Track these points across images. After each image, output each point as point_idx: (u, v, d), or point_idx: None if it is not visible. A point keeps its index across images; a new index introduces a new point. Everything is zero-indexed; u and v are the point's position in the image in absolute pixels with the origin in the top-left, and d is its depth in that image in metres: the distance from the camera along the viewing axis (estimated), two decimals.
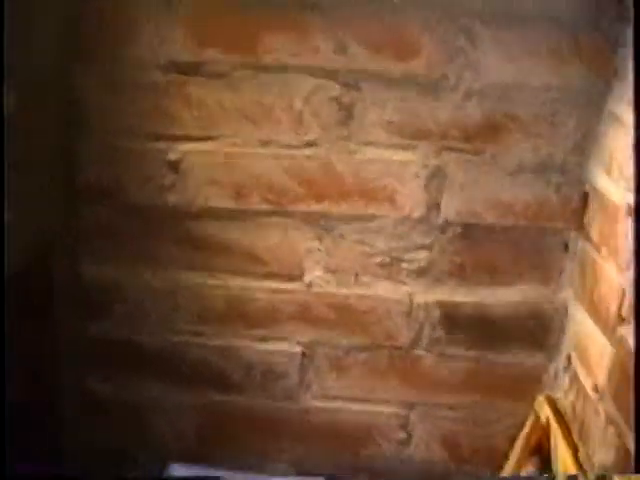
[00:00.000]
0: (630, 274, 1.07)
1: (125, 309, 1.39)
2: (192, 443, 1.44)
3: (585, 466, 1.19)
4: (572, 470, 1.20)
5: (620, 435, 1.09)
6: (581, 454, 1.21)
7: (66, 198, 1.32)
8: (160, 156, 1.32)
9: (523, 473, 1.31)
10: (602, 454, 1.14)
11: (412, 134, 1.28)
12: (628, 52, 1.19)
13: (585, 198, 1.29)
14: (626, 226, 1.13)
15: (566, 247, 1.32)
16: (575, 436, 1.25)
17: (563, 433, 1.26)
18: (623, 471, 1.05)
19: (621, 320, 1.13)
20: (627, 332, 1.10)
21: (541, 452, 1.31)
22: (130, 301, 1.38)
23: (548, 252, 1.33)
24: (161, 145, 1.31)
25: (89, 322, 1.39)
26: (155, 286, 1.37)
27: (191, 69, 1.28)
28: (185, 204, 1.33)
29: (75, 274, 1.36)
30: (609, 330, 1.16)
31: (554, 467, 1.25)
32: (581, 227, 1.29)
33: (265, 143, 1.30)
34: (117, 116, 1.30)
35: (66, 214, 1.32)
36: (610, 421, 1.13)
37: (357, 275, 1.35)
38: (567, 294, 1.34)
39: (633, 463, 1.01)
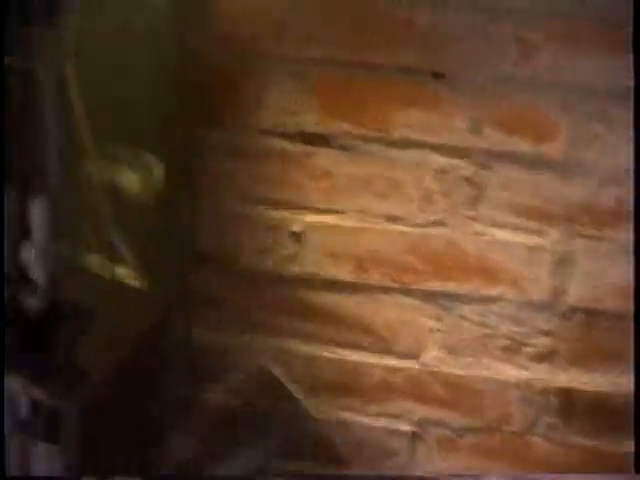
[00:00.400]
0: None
1: (235, 377, 1.39)
2: None
3: None
4: None
5: None
6: None
7: (184, 264, 1.33)
8: (282, 226, 1.33)
9: None
10: None
11: (542, 218, 1.28)
12: None
13: None
14: None
15: None
16: None
17: None
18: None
19: None
20: None
21: None
22: (241, 369, 1.39)
23: None
24: (284, 215, 1.32)
25: (198, 388, 1.40)
26: (264, 356, 1.38)
27: (320, 140, 1.29)
28: (304, 275, 1.34)
29: (187, 340, 1.37)
30: None
31: None
32: None
33: (390, 219, 1.30)
34: (241, 184, 1.31)
35: (183, 280, 1.33)
36: None
37: (475, 356, 1.34)
38: None
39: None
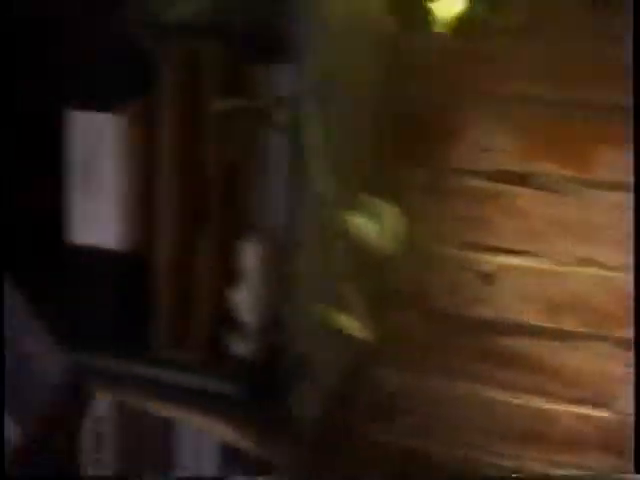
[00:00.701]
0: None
1: (415, 417, 1.38)
2: None
3: None
4: None
5: None
6: None
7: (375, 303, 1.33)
8: (474, 266, 1.32)
9: None
10: None
11: None
12: None
13: None
14: None
15: None
16: None
17: None
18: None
19: None
20: None
21: None
22: (421, 410, 1.38)
23: None
24: (477, 255, 1.31)
25: (373, 425, 1.39)
26: (449, 398, 1.37)
27: (518, 180, 1.28)
28: (494, 318, 1.33)
29: (369, 376, 1.36)
30: None
31: None
32: None
33: (585, 262, 1.28)
34: (435, 222, 1.31)
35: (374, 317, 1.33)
36: None
37: None
38: None
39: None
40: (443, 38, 1.14)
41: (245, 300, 1.06)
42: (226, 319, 1.07)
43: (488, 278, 1.31)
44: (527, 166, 1.28)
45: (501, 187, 1.29)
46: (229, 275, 1.07)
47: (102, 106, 1.03)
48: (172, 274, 1.06)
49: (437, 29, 1.09)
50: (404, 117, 1.28)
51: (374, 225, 1.02)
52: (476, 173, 1.29)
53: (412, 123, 1.28)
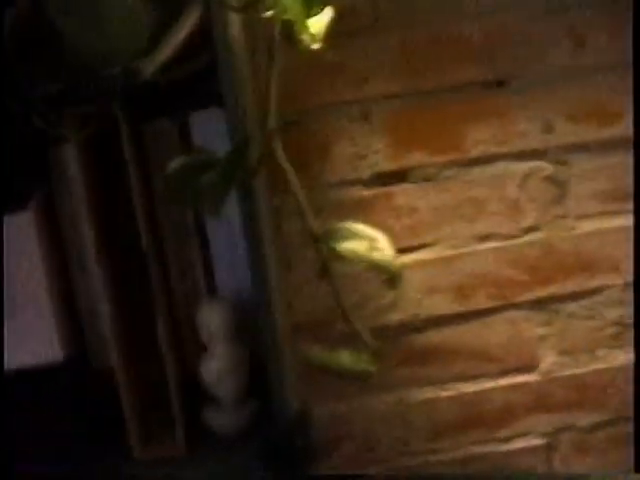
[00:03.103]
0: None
1: (354, 442, 1.48)
2: None
3: None
4: None
5: None
6: None
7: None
8: (376, 275, 1.42)
9: None
10: None
11: (623, 198, 1.43)
12: None
13: None
14: None
15: None
16: None
17: None
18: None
19: None
20: None
21: None
22: (358, 432, 1.48)
23: None
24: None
25: (321, 464, 1.47)
26: (383, 412, 1.47)
27: (396, 177, 1.40)
28: (407, 319, 1.45)
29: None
30: None
31: None
32: None
33: (483, 238, 1.43)
34: (305, 268, 1.39)
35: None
36: None
37: (592, 351, 1.50)
38: None
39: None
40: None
41: (216, 371, 1.12)
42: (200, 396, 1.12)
43: (392, 282, 1.43)
44: (402, 162, 1.39)
45: (381, 189, 1.40)
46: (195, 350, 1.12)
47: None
48: (130, 369, 1.09)
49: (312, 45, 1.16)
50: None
51: (372, 245, 1.10)
52: (354, 181, 1.39)
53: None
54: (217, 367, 1.12)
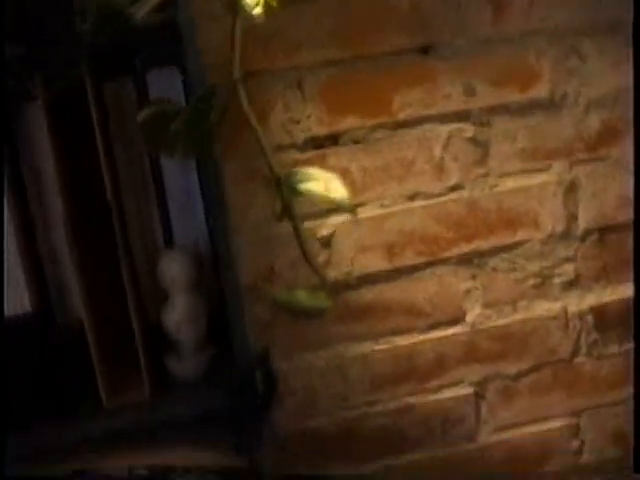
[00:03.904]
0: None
1: (295, 397, 1.59)
2: None
3: None
4: None
5: None
6: None
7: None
8: (311, 234, 1.54)
9: None
10: None
11: (544, 156, 1.57)
12: None
13: None
14: None
15: None
16: None
17: None
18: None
19: None
20: None
21: None
22: (299, 388, 1.59)
23: None
24: (311, 224, 1.53)
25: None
26: (322, 367, 1.59)
27: (329, 141, 1.51)
28: (341, 277, 1.56)
29: None
30: None
31: None
32: None
33: (411, 197, 1.55)
34: (262, 212, 1.50)
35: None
36: None
37: (514, 302, 1.64)
38: None
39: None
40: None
41: (176, 320, 1.22)
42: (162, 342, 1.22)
43: (326, 241, 1.54)
44: (334, 126, 1.50)
45: (315, 153, 1.51)
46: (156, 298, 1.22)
47: None
48: (97, 320, 1.17)
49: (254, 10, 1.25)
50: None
51: (327, 185, 1.21)
52: (289, 146, 1.49)
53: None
54: (177, 315, 1.22)
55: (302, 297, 1.19)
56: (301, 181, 1.17)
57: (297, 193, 1.15)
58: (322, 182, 1.17)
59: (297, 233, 1.16)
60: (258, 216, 1.42)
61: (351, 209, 1.24)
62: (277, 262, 1.44)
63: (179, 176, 1.24)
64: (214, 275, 1.25)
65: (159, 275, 1.22)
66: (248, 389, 1.13)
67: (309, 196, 1.15)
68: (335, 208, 1.47)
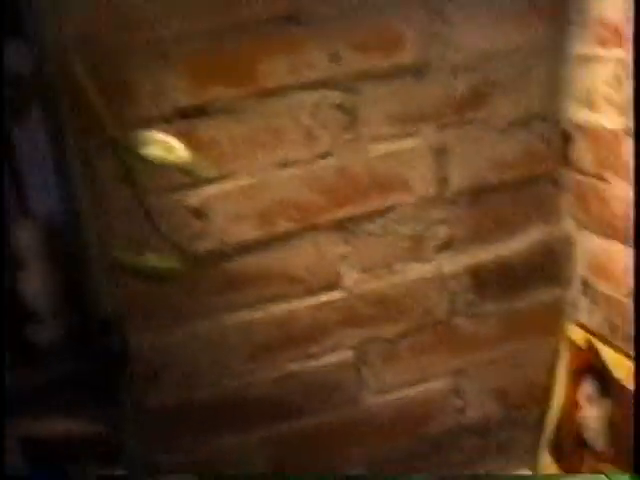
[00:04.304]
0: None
1: (178, 368, 1.61)
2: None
3: None
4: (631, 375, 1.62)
5: None
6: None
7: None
8: (183, 205, 1.57)
9: (581, 398, 1.73)
10: None
11: (412, 120, 1.60)
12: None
13: (568, 137, 1.72)
14: (625, 146, 1.56)
15: (557, 184, 1.75)
16: (622, 344, 1.69)
17: (609, 345, 1.70)
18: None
19: None
20: None
21: (592, 373, 1.74)
22: (181, 359, 1.62)
23: (545, 194, 1.74)
24: (182, 195, 1.56)
25: (146, 393, 1.61)
26: (202, 338, 1.62)
27: (196, 112, 1.54)
28: (216, 247, 1.59)
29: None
30: (630, 240, 1.58)
31: (611, 374, 1.67)
32: (570, 163, 1.73)
33: (281, 165, 1.58)
34: (109, 178, 1.47)
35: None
36: None
37: (389, 265, 1.69)
38: (568, 226, 1.77)
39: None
40: None
41: (32, 288, 1.24)
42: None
43: (198, 212, 1.57)
44: (201, 97, 1.52)
45: (182, 124, 1.54)
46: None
47: None
48: None
49: None
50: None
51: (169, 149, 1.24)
52: (157, 118, 1.52)
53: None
54: (33, 284, 1.24)
55: (151, 260, 1.22)
56: (140, 144, 1.19)
57: (136, 157, 1.17)
58: (164, 146, 1.20)
59: (139, 198, 1.19)
60: (106, 183, 1.43)
61: (195, 172, 1.26)
62: (129, 228, 1.44)
63: (33, 148, 1.25)
64: (71, 244, 1.27)
65: (13, 245, 1.24)
66: (101, 355, 1.15)
67: (149, 159, 1.18)
68: (207, 179, 1.49)
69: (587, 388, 1.67)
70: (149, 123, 1.45)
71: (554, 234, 1.68)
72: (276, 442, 1.65)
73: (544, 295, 1.71)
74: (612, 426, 1.62)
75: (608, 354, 1.63)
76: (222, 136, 1.49)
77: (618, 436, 1.60)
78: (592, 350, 1.66)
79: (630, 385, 1.55)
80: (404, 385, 1.68)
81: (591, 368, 1.67)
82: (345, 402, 1.65)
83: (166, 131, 1.43)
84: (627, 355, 1.61)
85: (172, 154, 1.19)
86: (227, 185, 1.51)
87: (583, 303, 1.72)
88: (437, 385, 1.70)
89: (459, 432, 1.74)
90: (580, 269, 1.71)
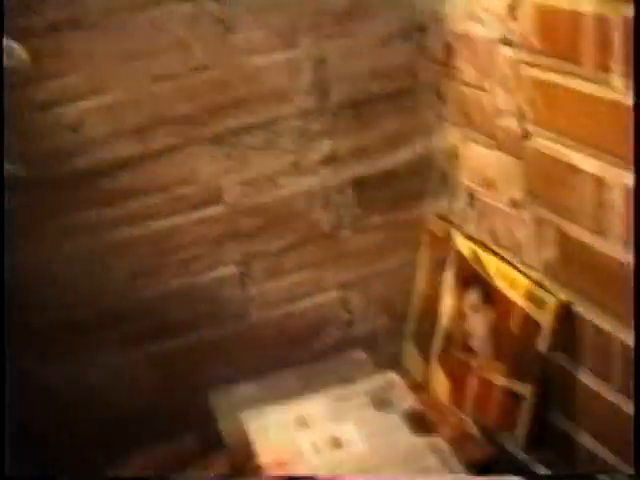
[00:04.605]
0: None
1: (55, 286, 1.62)
2: (157, 396, 1.73)
3: (525, 270, 1.65)
4: (508, 275, 1.65)
5: (556, 228, 1.55)
6: (518, 263, 1.68)
7: None
8: (59, 121, 1.56)
9: (466, 307, 1.77)
10: (543, 253, 1.60)
11: (291, 32, 1.60)
12: None
13: (449, 48, 1.73)
14: (502, 55, 1.57)
15: (441, 97, 1.77)
16: (506, 254, 1.72)
17: (493, 255, 1.73)
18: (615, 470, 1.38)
19: (525, 135, 1.58)
20: (538, 145, 1.55)
21: (476, 282, 1.77)
22: (60, 277, 1.63)
23: (428, 106, 1.76)
24: (58, 110, 1.55)
25: (25, 310, 1.61)
26: (83, 255, 1.63)
27: (66, 24, 1.53)
28: (94, 163, 1.59)
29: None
30: (514, 148, 1.61)
31: (494, 283, 1.70)
32: (452, 74, 1.74)
33: (157, 79, 1.57)
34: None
35: None
36: (540, 221, 1.59)
37: (272, 179, 1.70)
38: (452, 135, 1.79)
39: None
40: None
41: None
42: None
43: (74, 126, 1.57)
44: (72, 10, 1.51)
45: (53, 36, 1.52)
46: None
47: None
48: None
49: None
50: None
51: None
52: (26, 33, 1.50)
53: None
54: None
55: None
56: None
57: None
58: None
59: None
60: None
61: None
62: None
63: None
64: None
65: None
66: None
67: None
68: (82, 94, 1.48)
69: (472, 297, 1.70)
70: (20, 35, 1.42)
71: (438, 146, 1.69)
72: (162, 359, 1.66)
73: (430, 207, 1.73)
74: (495, 334, 1.65)
75: (491, 263, 1.66)
76: (95, 50, 1.48)
77: (500, 343, 1.64)
78: (477, 260, 1.69)
79: (510, 293, 1.58)
80: (290, 299, 1.70)
81: (476, 277, 1.69)
82: (231, 317, 1.67)
83: (38, 45, 1.41)
84: (509, 264, 1.63)
85: (12, 59, 1.18)
86: (102, 100, 1.52)
87: (469, 214, 1.74)
88: (324, 299, 1.72)
89: (348, 345, 1.76)
90: (465, 180, 1.73)
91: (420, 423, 1.16)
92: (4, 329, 1.13)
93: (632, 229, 1.17)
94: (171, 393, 1.65)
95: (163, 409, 1.63)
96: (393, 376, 1.28)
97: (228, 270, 1.63)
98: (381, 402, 1.23)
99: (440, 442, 1.10)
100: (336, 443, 1.14)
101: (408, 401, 1.21)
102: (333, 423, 1.18)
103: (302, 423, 1.20)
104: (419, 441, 1.11)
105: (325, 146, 1.62)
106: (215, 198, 1.59)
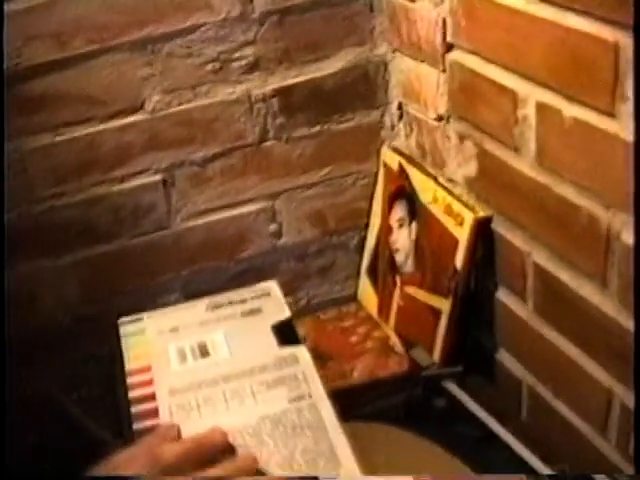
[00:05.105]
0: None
1: None
2: (85, 304, 1.77)
3: (448, 186, 1.67)
4: (433, 193, 1.67)
5: (477, 144, 1.57)
6: (441, 179, 1.71)
7: None
8: None
9: (393, 221, 1.79)
10: (465, 169, 1.63)
11: None
12: None
13: None
14: None
15: (372, 7, 1.77)
16: (431, 169, 1.75)
17: (419, 169, 1.75)
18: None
19: (448, 47, 1.58)
20: (459, 57, 1.56)
21: (403, 197, 1.80)
22: None
23: (358, 16, 1.75)
24: None
25: None
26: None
27: None
28: (10, 69, 1.59)
29: None
30: (438, 61, 1.62)
31: (419, 198, 1.73)
32: None
33: None
34: None
35: None
36: (462, 137, 1.61)
37: (194, 88, 1.71)
38: (383, 49, 1.79)
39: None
40: None
41: None
42: None
43: None
44: None
45: None
46: None
47: None
48: None
49: None
50: None
51: None
52: None
53: None
54: None
55: None
56: None
57: None
58: None
59: None
60: None
61: None
62: None
63: None
64: None
65: None
66: None
67: None
68: None
69: (398, 212, 1.73)
70: None
71: (368, 57, 1.70)
72: (87, 266, 1.68)
73: (360, 119, 1.74)
74: (417, 249, 1.68)
75: (417, 178, 1.68)
76: None
77: (422, 258, 1.67)
78: (403, 174, 1.71)
79: (433, 208, 1.61)
80: (216, 209, 1.72)
81: (402, 192, 1.72)
82: (155, 226, 1.69)
83: None
84: (434, 179, 1.66)
85: None
86: (17, 3, 1.50)
87: (398, 127, 1.76)
88: (250, 209, 1.74)
89: (277, 256, 1.79)
90: (395, 93, 1.74)
91: (288, 333, 1.20)
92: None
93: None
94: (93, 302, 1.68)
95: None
96: (271, 285, 1.31)
97: (152, 178, 1.66)
98: (252, 311, 1.26)
99: (304, 353, 1.13)
100: (203, 351, 1.18)
101: (280, 311, 1.24)
102: (204, 331, 1.21)
103: (174, 330, 1.24)
104: (282, 352, 1.14)
105: (249, 55, 1.62)
106: (136, 106, 1.60)
